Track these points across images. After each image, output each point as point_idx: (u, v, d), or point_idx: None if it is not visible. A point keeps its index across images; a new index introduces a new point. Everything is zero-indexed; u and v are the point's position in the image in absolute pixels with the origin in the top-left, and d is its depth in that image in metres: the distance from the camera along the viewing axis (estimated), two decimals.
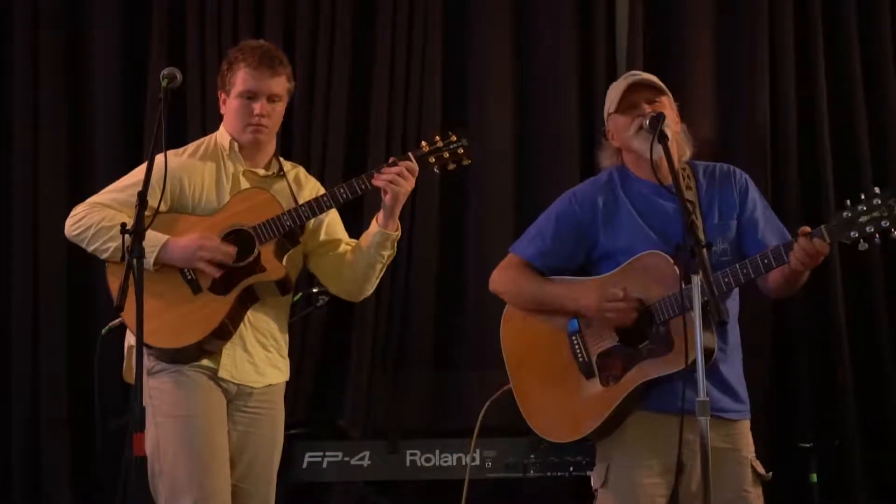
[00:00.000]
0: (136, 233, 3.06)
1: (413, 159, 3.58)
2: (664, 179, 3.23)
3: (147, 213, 3.12)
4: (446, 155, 3.62)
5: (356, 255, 3.70)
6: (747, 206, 3.39)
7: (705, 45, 5.33)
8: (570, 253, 3.47)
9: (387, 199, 3.58)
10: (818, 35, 5.23)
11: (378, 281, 3.74)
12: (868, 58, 5.26)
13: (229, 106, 3.69)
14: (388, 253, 3.66)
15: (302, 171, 3.85)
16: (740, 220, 3.38)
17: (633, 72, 3.57)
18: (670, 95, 3.43)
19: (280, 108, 3.70)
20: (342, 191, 3.58)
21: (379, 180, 3.56)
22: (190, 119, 5.24)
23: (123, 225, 3.10)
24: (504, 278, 3.54)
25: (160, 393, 3.54)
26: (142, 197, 3.13)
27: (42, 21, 5.40)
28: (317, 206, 3.59)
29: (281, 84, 3.67)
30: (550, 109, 5.34)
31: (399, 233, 3.66)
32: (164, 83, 3.31)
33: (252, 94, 3.63)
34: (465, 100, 5.38)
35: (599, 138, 3.57)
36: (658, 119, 3.26)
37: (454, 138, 3.64)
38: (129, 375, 3.68)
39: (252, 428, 3.65)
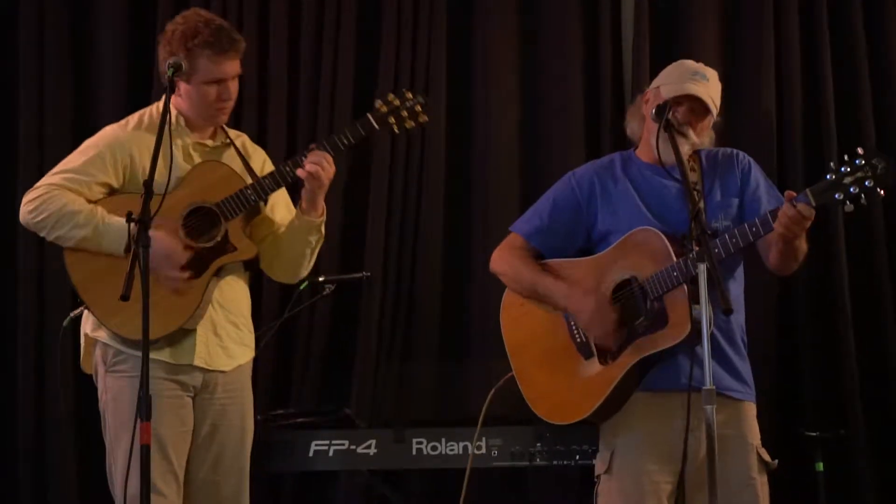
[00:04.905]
0: (142, 222, 3.03)
1: (327, 147, 3.52)
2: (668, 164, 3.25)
3: (140, 198, 3.06)
4: (404, 114, 3.62)
5: (286, 241, 3.65)
6: (749, 185, 3.40)
7: (711, 33, 5.31)
8: (568, 232, 3.47)
9: (308, 188, 3.54)
10: (823, 24, 5.21)
11: (311, 265, 3.70)
12: (873, 47, 5.23)
13: (190, 92, 3.57)
14: (315, 238, 3.63)
15: (247, 138, 3.81)
16: (742, 198, 3.39)
17: (700, 72, 3.47)
18: (716, 112, 3.41)
19: (237, 82, 3.63)
20: (287, 168, 3.53)
21: (301, 172, 3.51)
22: None
23: (129, 214, 3.07)
24: (503, 260, 3.54)
25: (118, 395, 3.47)
26: (147, 186, 3.09)
27: (47, 15, 5.40)
28: (280, 177, 3.55)
29: (239, 62, 3.61)
30: (556, 95, 5.32)
31: (324, 217, 3.61)
32: (169, 72, 3.32)
33: (219, 81, 3.56)
34: (470, 88, 5.37)
35: (634, 99, 3.60)
36: (664, 108, 3.27)
37: (409, 96, 3.63)
38: (87, 365, 3.64)
39: (221, 420, 3.59)
